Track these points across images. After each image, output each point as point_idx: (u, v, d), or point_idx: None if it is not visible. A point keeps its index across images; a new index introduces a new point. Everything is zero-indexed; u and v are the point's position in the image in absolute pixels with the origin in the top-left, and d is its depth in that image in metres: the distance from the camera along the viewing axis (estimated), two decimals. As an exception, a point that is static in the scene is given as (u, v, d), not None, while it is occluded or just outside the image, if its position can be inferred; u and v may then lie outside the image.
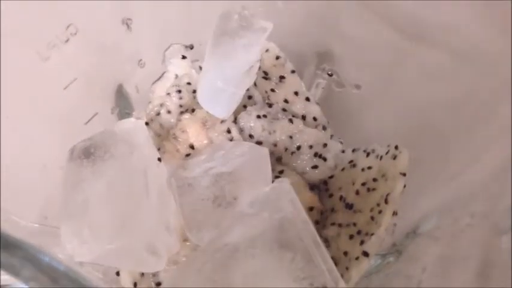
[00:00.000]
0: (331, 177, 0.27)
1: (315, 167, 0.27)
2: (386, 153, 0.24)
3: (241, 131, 0.27)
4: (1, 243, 0.13)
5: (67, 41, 0.21)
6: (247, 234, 0.18)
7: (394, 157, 0.24)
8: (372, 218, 0.23)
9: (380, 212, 0.23)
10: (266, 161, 0.22)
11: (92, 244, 0.21)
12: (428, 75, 0.25)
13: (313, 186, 0.28)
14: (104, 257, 0.21)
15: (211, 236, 0.18)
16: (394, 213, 0.23)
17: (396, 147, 0.24)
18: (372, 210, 0.24)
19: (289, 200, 0.18)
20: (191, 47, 0.29)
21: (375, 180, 0.24)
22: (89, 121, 0.24)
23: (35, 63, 0.21)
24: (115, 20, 0.23)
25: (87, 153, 0.22)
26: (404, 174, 0.23)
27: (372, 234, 0.23)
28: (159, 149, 0.26)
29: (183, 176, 0.21)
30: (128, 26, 0.24)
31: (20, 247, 0.13)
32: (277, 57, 0.28)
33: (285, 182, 0.19)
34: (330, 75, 0.30)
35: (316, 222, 0.26)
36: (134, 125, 0.23)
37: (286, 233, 0.18)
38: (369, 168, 0.25)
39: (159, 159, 0.23)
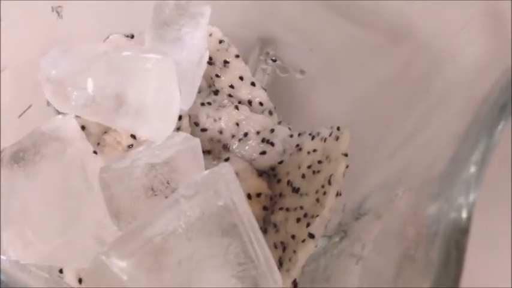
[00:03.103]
0: (280, 162, 0.27)
1: (263, 153, 0.27)
2: (330, 135, 0.25)
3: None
4: None
5: (-10, 28, 0.20)
6: (183, 217, 0.17)
7: (337, 138, 0.24)
8: (317, 200, 0.23)
9: (324, 193, 0.23)
10: (198, 152, 0.22)
11: (38, 243, 0.20)
12: (367, 56, 0.25)
13: (261, 173, 0.28)
14: (52, 256, 0.20)
15: (143, 223, 0.18)
16: (338, 194, 0.23)
17: (338, 129, 0.24)
18: (317, 192, 0.24)
19: (227, 184, 0.18)
20: (131, 36, 0.29)
21: (319, 162, 0.25)
22: (22, 114, 0.23)
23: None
24: (44, 7, 0.22)
25: (17, 158, 0.21)
26: (346, 155, 0.23)
27: (317, 216, 0.23)
28: (98, 144, 0.25)
29: (112, 167, 0.21)
30: (59, 14, 0.23)
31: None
32: (221, 41, 0.28)
33: (225, 166, 0.19)
34: (274, 60, 0.30)
35: (265, 208, 0.26)
36: (63, 122, 0.22)
37: (224, 218, 0.18)
38: (314, 151, 0.25)
39: (95, 152, 0.23)
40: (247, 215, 0.19)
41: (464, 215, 0.13)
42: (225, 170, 0.19)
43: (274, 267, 0.18)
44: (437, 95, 0.22)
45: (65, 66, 0.22)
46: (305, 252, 0.22)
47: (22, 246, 0.20)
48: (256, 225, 0.19)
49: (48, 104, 0.25)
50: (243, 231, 0.18)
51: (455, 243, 0.13)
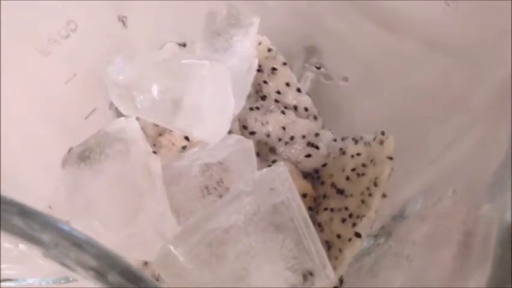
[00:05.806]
0: (324, 165, 0.28)
1: (308, 155, 0.28)
2: (374, 139, 0.26)
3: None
4: (20, 210, 0.13)
5: (67, 36, 0.22)
6: (242, 211, 0.19)
7: (381, 142, 0.25)
8: (363, 201, 0.24)
9: (370, 195, 0.24)
10: (251, 153, 0.23)
11: (106, 234, 0.21)
12: (407, 66, 0.26)
13: (305, 175, 0.29)
14: (119, 246, 0.21)
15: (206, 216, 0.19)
16: (383, 196, 0.24)
17: (383, 133, 0.25)
18: (362, 194, 0.25)
19: (283, 182, 0.19)
20: (184, 45, 0.30)
21: (364, 165, 0.26)
22: (88, 116, 0.25)
23: (36, 59, 0.21)
24: (112, 17, 0.24)
25: (83, 157, 0.23)
26: (391, 158, 0.24)
27: (363, 216, 0.24)
28: (154, 145, 0.27)
29: (172, 165, 0.22)
30: (124, 24, 0.25)
31: (39, 215, 0.14)
32: (269, 50, 0.29)
33: (280, 165, 0.20)
34: (318, 68, 0.31)
35: (310, 209, 0.27)
36: (126, 123, 0.24)
37: (280, 214, 0.19)
38: (358, 154, 0.26)
39: (154, 152, 0.24)
40: (301, 211, 0.20)
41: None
42: (281, 169, 0.20)
43: (327, 261, 0.20)
44: (478, 103, 0.23)
45: (130, 72, 0.23)
46: (352, 251, 0.23)
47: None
48: (309, 221, 0.20)
49: (110, 106, 0.27)
50: (298, 226, 0.19)
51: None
